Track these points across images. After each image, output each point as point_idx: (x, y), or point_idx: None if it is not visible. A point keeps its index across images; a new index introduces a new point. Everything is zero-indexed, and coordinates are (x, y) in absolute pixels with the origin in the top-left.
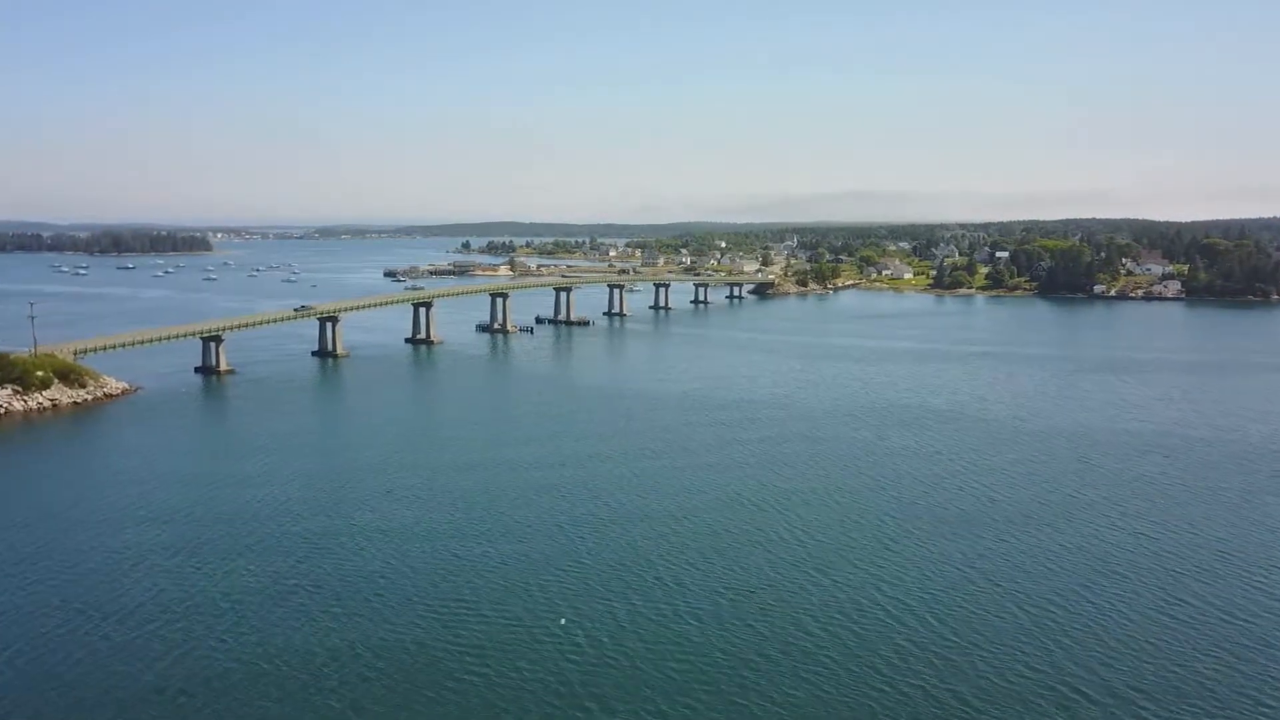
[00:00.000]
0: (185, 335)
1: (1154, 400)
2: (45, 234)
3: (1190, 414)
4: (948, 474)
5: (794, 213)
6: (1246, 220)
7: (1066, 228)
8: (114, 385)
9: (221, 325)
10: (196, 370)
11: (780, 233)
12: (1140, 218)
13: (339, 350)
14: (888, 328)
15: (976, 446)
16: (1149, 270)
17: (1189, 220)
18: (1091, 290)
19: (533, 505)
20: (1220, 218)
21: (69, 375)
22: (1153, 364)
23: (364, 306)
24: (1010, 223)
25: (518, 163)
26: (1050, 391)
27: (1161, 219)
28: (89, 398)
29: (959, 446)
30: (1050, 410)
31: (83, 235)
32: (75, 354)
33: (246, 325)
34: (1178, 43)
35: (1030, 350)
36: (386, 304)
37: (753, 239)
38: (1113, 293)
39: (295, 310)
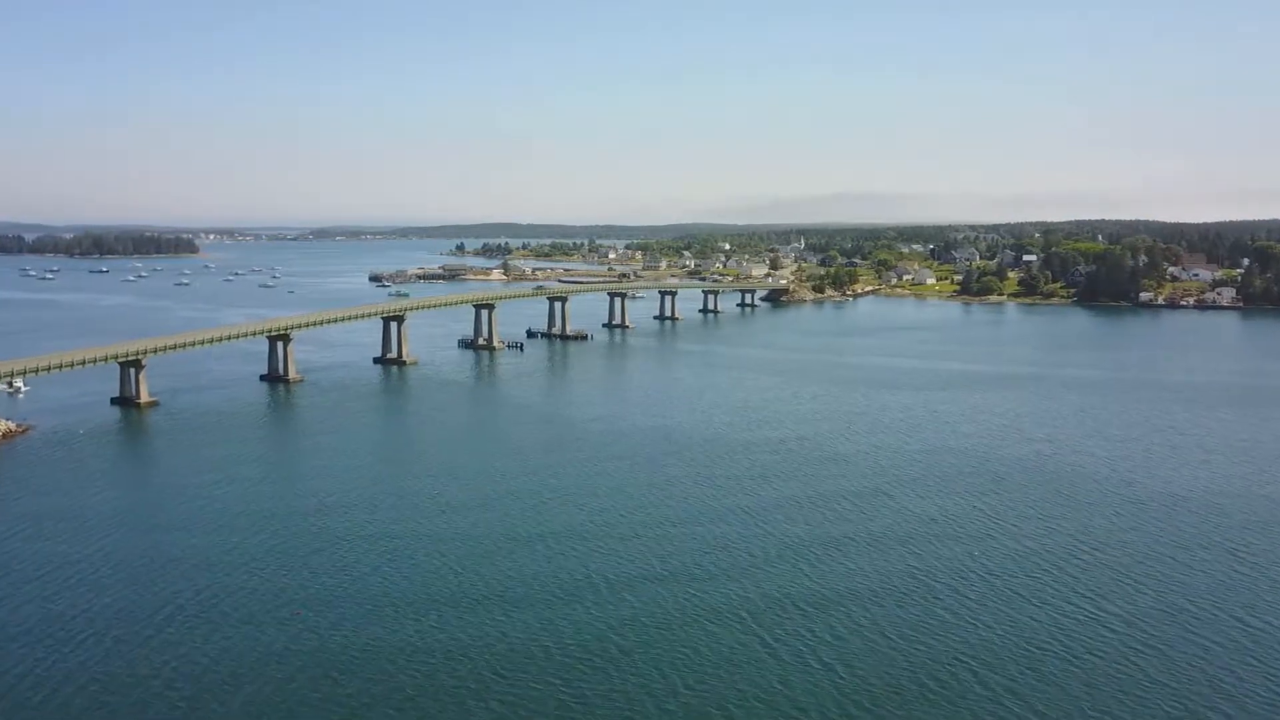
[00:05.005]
0: (97, 360)
1: None
2: (30, 235)
3: None
4: (1065, 587)
5: (786, 214)
6: (1259, 222)
7: (1078, 229)
8: None
9: (141, 348)
10: (113, 401)
11: (785, 234)
12: (1149, 219)
13: (291, 374)
14: (921, 343)
15: (1084, 527)
16: (1196, 276)
17: (1198, 222)
18: (1137, 298)
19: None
20: (1232, 219)
21: None
22: (1256, 392)
23: (322, 322)
24: (1022, 224)
25: (516, 164)
26: (1146, 433)
27: (1168, 221)
28: None
29: (1060, 528)
30: (1158, 463)
31: (67, 237)
32: None
33: (174, 347)
34: (1179, 44)
35: (1096, 373)
36: (350, 319)
37: (757, 241)
38: (1160, 300)
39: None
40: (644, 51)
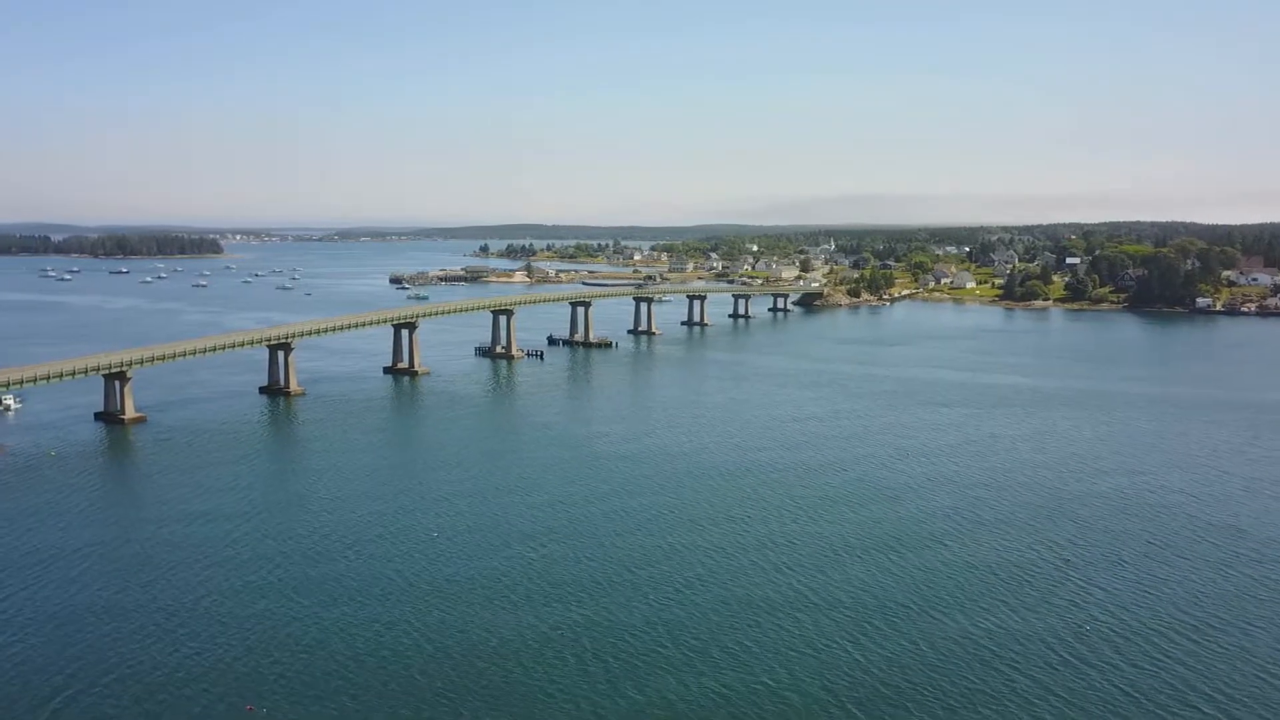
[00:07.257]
0: (76, 373)
1: None
2: (58, 236)
3: None
4: (1184, 685)
5: (787, 217)
6: (1265, 224)
7: (1115, 230)
8: None
9: (127, 358)
10: (97, 417)
11: (812, 235)
12: (1188, 220)
13: (292, 386)
14: (968, 353)
15: (1194, 595)
16: (1256, 280)
17: (1240, 224)
18: (1194, 304)
19: None
20: (1246, 222)
21: None
22: None
23: (325, 330)
24: (1056, 225)
25: (540, 165)
26: (1239, 465)
27: (1209, 223)
28: None
29: (1165, 596)
30: (1268, 505)
31: (94, 238)
32: None
33: (162, 358)
34: (1179, 45)
35: (1166, 389)
36: (356, 326)
37: (785, 242)
38: (1219, 306)
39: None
40: (659, 53)
